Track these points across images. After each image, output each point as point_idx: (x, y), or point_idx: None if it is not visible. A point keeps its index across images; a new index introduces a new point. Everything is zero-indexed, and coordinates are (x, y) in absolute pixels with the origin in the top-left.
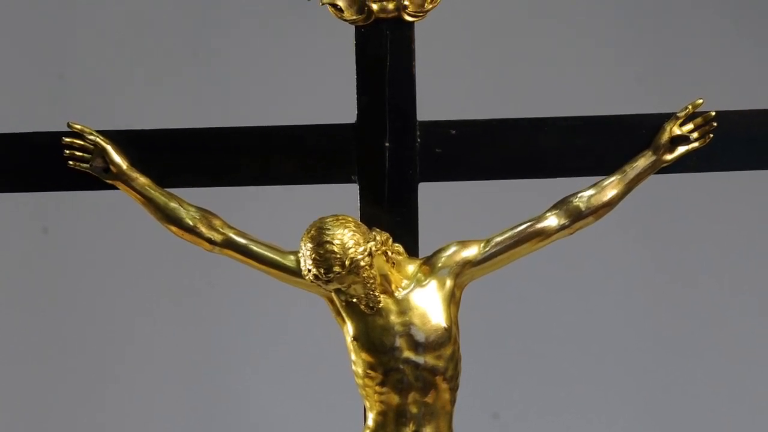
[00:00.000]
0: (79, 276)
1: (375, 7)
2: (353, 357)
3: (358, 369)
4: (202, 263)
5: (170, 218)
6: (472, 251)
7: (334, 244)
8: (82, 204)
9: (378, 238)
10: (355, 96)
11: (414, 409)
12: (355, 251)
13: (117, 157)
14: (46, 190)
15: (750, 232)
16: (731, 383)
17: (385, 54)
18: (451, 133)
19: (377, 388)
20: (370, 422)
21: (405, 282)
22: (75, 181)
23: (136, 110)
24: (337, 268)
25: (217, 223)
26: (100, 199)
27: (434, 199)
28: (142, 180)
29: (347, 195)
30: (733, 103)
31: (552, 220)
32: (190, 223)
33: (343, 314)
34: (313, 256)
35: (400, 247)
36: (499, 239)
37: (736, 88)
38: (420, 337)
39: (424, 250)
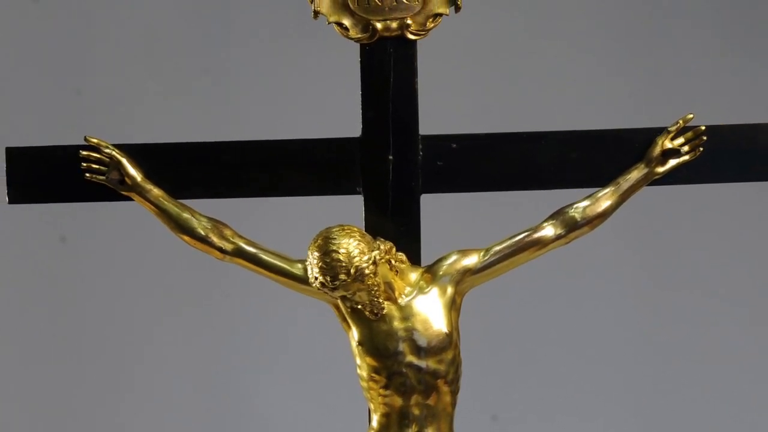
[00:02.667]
0: (95, 283)
1: (379, 26)
2: (358, 361)
3: (363, 373)
4: (214, 272)
5: (183, 228)
6: (472, 260)
7: (340, 253)
8: (99, 214)
9: (382, 247)
10: (360, 111)
11: (416, 411)
12: (360, 260)
13: (132, 170)
14: (63, 201)
15: (738, 242)
16: (722, 386)
17: (388, 71)
18: (452, 146)
19: (381, 390)
20: (375, 423)
21: (408, 289)
22: (92, 192)
23: (150, 125)
24: (342, 276)
25: (227, 233)
26: (116, 209)
27: (436, 209)
28: (155, 192)
29: (352, 206)
30: (722, 118)
31: (549, 230)
32: (202, 233)
33: (349, 320)
34: (320, 264)
35: (403, 255)
36: (498, 248)
37: (724, 104)
38: (422, 342)
39: (426, 259)
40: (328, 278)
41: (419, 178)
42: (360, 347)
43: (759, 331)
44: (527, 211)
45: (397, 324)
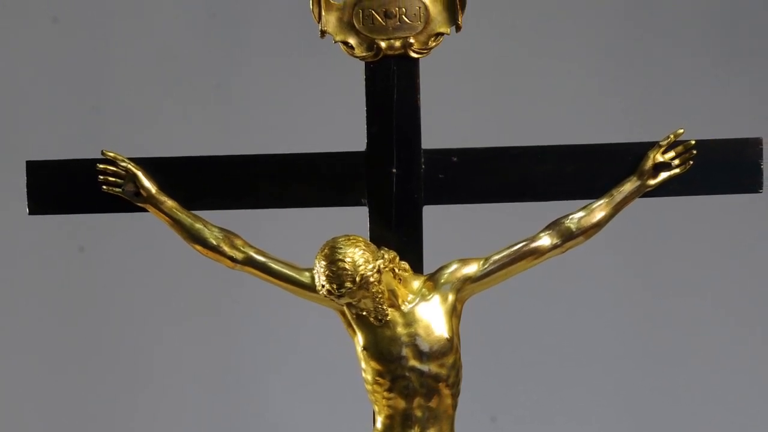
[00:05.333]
0: (112, 291)
1: (383, 44)
2: (363, 365)
3: (368, 376)
4: (226, 280)
5: (196, 238)
6: (472, 268)
7: (345, 262)
8: (115, 225)
9: (386, 256)
10: (365, 126)
11: (419, 413)
12: (365, 268)
13: (147, 182)
14: (81, 213)
15: (727, 251)
16: (717, 389)
17: (392, 87)
18: (453, 160)
19: (385, 393)
20: (379, 425)
21: (411, 296)
22: (108, 204)
23: (164, 139)
24: (348, 284)
25: (238, 242)
26: (132, 220)
27: (437, 220)
28: (169, 203)
29: (357, 217)
30: (711, 132)
31: (545, 240)
32: (214, 242)
33: (354, 326)
34: (327, 272)
35: (406, 264)
36: (496, 257)
37: (713, 119)
38: (424, 347)
39: (428, 268)
40: (335, 286)
41: (422, 190)
42: (365, 352)
43: (750, 335)
44: (525, 222)
45: (400, 330)
